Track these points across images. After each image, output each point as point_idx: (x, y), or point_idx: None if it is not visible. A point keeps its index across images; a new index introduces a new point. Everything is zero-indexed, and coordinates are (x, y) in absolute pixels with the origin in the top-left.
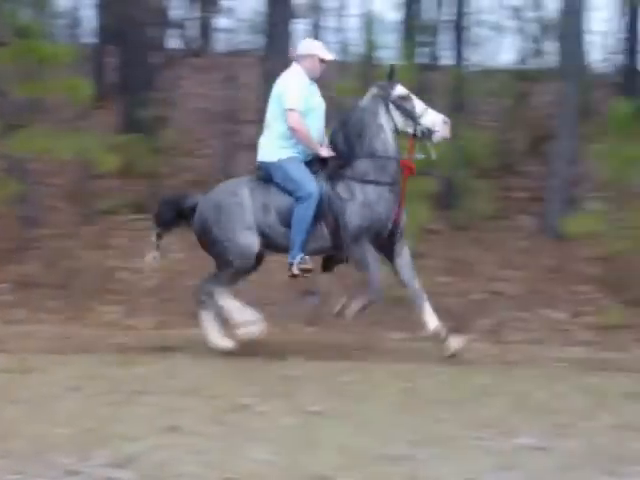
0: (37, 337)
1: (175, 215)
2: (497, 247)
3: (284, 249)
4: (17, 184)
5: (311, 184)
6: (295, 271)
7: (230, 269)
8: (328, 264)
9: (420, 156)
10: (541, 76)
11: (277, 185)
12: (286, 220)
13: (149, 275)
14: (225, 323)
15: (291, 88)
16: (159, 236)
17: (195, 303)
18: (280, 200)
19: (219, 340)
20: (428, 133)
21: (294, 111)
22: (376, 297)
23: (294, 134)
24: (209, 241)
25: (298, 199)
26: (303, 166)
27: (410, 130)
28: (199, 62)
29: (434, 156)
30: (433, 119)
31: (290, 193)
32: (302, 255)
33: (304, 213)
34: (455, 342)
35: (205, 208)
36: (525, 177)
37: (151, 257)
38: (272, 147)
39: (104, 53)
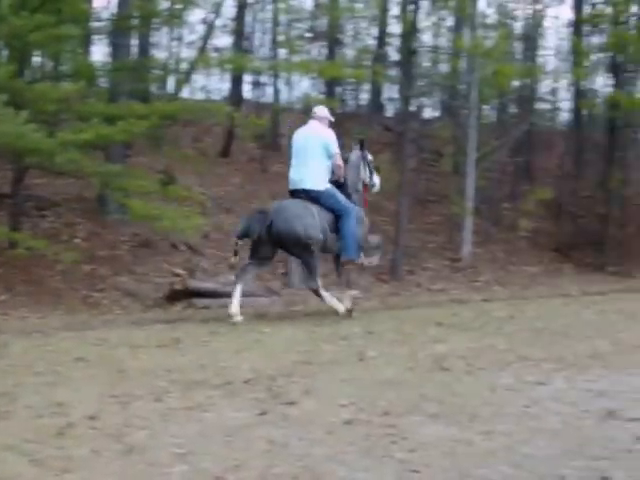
0: None
1: (256, 228)
2: None
3: (329, 249)
4: None
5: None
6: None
7: (315, 257)
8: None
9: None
10: None
11: (325, 205)
12: (332, 227)
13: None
14: None
15: (333, 138)
16: (236, 244)
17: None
18: (328, 214)
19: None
20: (371, 187)
21: (338, 153)
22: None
23: (338, 169)
24: (293, 241)
25: (345, 214)
26: None
27: (367, 181)
28: None
29: (369, 198)
30: (376, 180)
31: (333, 210)
32: (360, 254)
33: (353, 223)
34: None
35: (290, 218)
36: None
37: (233, 260)
38: (319, 179)
39: None
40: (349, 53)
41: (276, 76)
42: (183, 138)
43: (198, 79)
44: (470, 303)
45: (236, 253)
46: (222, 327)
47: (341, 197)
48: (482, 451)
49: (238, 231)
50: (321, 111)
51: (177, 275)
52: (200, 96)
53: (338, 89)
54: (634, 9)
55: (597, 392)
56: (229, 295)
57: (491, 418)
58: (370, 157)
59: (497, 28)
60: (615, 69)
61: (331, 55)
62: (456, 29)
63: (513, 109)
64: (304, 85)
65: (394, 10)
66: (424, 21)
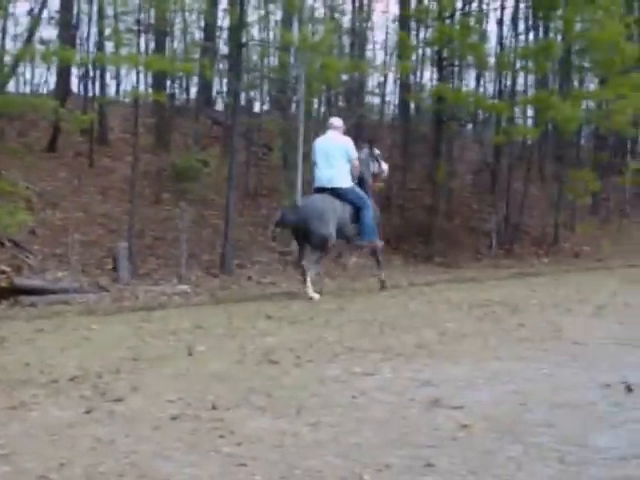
0: None
1: (289, 219)
2: None
3: (349, 237)
4: None
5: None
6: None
7: (325, 250)
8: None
9: (379, 185)
10: None
11: (348, 200)
12: (353, 219)
13: None
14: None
15: (351, 144)
16: (273, 232)
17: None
18: (350, 208)
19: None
20: (381, 174)
21: (357, 157)
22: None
23: (355, 170)
24: (313, 233)
25: (365, 206)
26: None
27: (376, 171)
28: None
29: (382, 185)
30: (384, 167)
31: (355, 204)
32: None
33: (371, 212)
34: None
35: (317, 212)
36: None
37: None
38: (343, 178)
39: None
40: (177, 46)
41: (103, 69)
42: (8, 132)
43: (24, 72)
44: (300, 296)
45: (274, 239)
46: (49, 325)
47: (361, 192)
48: (309, 443)
49: (275, 220)
50: (337, 122)
51: (2, 272)
52: (26, 89)
53: (167, 83)
54: (459, 5)
55: (423, 381)
56: (56, 292)
57: (319, 410)
58: (377, 152)
59: (325, 22)
60: (440, 63)
61: (159, 48)
62: (284, 23)
63: (342, 102)
64: (132, 79)
65: (223, 3)
66: (253, 15)
